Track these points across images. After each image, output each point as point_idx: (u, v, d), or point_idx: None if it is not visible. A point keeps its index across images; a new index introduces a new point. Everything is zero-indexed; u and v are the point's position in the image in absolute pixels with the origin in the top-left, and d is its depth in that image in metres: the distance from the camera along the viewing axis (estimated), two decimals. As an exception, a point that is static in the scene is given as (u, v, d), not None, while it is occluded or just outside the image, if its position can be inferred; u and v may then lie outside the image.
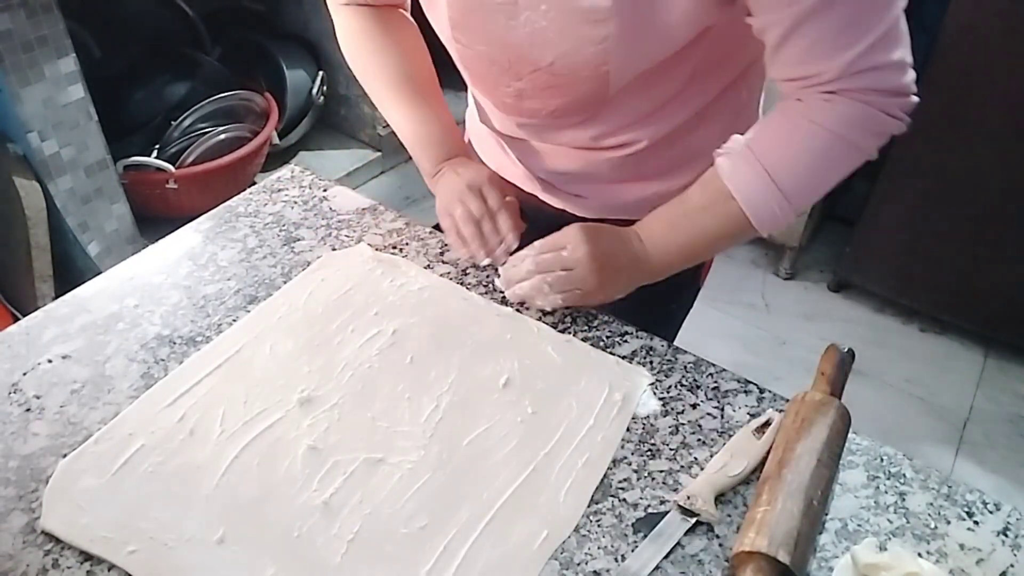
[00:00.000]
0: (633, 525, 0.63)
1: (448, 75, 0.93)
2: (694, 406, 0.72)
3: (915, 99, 0.70)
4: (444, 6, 0.75)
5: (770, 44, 0.68)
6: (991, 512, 0.64)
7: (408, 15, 0.94)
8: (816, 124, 0.70)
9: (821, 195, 0.75)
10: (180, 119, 2.01)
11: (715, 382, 0.75)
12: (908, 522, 0.63)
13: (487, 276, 0.86)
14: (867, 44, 0.64)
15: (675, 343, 0.80)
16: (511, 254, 0.83)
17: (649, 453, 0.68)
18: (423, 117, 0.91)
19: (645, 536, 0.62)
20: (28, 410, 0.70)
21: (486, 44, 0.77)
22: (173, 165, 1.97)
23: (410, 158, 0.96)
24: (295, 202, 0.96)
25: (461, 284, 0.85)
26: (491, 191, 0.85)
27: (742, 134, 0.90)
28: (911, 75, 0.68)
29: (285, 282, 0.84)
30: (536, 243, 0.80)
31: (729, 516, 0.63)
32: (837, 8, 0.63)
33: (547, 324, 0.80)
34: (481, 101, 0.93)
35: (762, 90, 0.90)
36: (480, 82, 0.86)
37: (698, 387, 0.74)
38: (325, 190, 0.98)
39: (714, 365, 0.76)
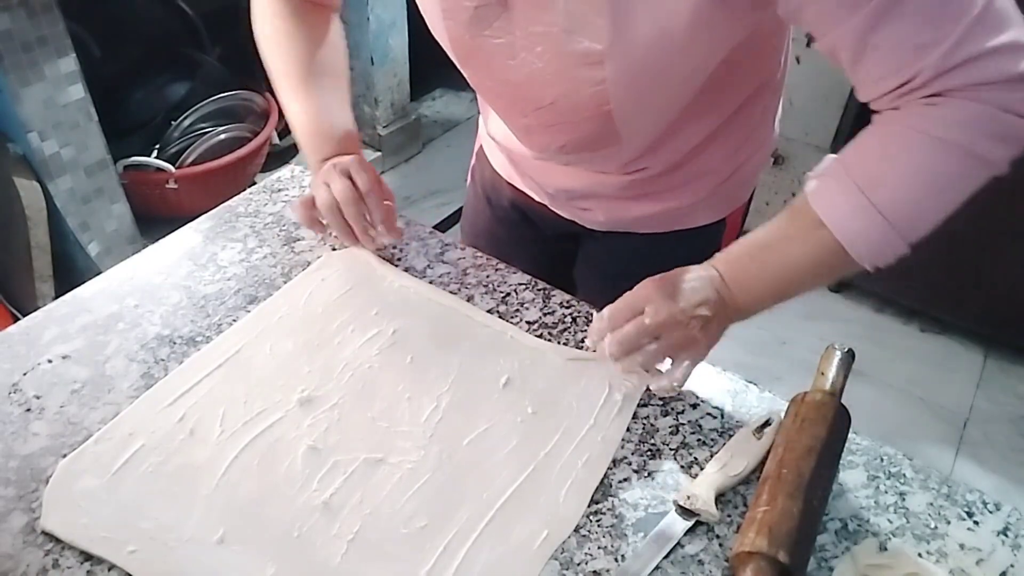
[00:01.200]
0: (633, 525, 0.63)
1: (449, 75, 0.93)
2: (694, 406, 0.72)
3: None
4: (448, 42, 0.75)
5: (848, 63, 0.60)
6: (991, 512, 0.64)
7: (331, 14, 0.92)
8: (918, 131, 0.58)
9: (936, 220, 0.63)
10: (180, 119, 2.01)
11: (715, 382, 0.75)
12: (908, 522, 0.63)
13: (487, 276, 0.86)
14: (958, 34, 0.53)
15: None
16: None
17: (649, 453, 0.68)
18: (317, 109, 0.87)
19: (645, 536, 0.62)
20: (28, 410, 0.70)
21: (490, 80, 0.77)
22: (173, 165, 1.98)
23: (410, 158, 0.96)
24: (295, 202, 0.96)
25: (461, 284, 0.85)
26: (361, 172, 0.82)
27: (756, 151, 0.88)
28: None
29: (285, 282, 0.84)
30: (606, 312, 0.69)
31: (729, 516, 0.63)
32: (905, 6, 0.53)
33: (548, 323, 0.80)
34: (490, 128, 0.93)
35: (778, 106, 0.89)
36: (495, 111, 0.87)
37: (698, 387, 0.74)
38: (325, 190, 0.98)
39: (714, 365, 0.76)
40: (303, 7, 0.89)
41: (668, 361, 0.69)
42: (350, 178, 0.82)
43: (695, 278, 0.68)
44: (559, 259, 1.03)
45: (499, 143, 0.95)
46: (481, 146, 1.05)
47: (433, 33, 0.78)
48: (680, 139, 0.80)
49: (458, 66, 0.79)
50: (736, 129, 0.83)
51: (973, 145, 0.58)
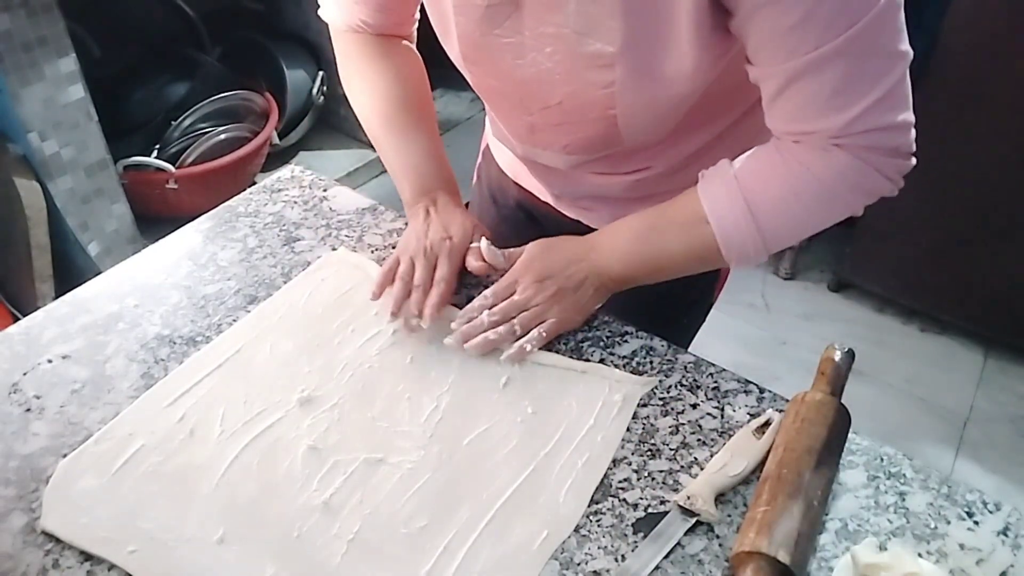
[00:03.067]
0: (633, 525, 0.63)
1: (449, 75, 0.93)
2: (694, 406, 0.72)
3: (913, 162, 0.67)
4: (455, 40, 0.75)
5: (766, 96, 0.67)
6: (991, 512, 0.64)
7: (411, 45, 0.92)
8: (809, 171, 0.67)
9: (795, 242, 0.74)
10: (180, 119, 2.01)
11: (715, 382, 0.75)
12: (908, 522, 0.63)
13: (487, 276, 0.86)
14: (866, 105, 0.62)
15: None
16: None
17: (649, 453, 0.68)
18: (409, 146, 0.86)
19: (645, 536, 0.62)
20: (28, 410, 0.70)
21: (496, 79, 0.78)
22: (173, 165, 1.98)
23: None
24: (295, 202, 0.96)
25: (461, 284, 0.85)
26: (445, 261, 0.79)
27: None
28: (912, 136, 0.66)
29: (285, 282, 0.84)
30: (486, 292, 0.77)
31: (729, 516, 0.63)
32: (833, 67, 0.60)
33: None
34: (496, 128, 0.93)
35: None
36: (495, 110, 0.87)
37: (698, 387, 0.74)
38: (325, 190, 0.98)
39: (714, 365, 0.76)
40: (379, 43, 0.87)
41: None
42: (433, 263, 0.79)
43: (567, 248, 0.77)
44: None
45: (505, 142, 0.95)
46: (487, 146, 1.05)
47: (438, 33, 0.78)
48: (684, 142, 0.80)
49: (462, 66, 0.79)
50: (740, 133, 0.83)
51: (848, 195, 0.69)
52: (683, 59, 0.65)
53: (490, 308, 0.75)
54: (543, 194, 0.96)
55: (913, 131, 0.66)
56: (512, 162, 0.98)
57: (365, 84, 0.87)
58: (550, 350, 0.77)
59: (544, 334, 0.74)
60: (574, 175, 0.88)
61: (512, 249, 0.79)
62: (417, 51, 0.92)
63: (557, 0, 0.65)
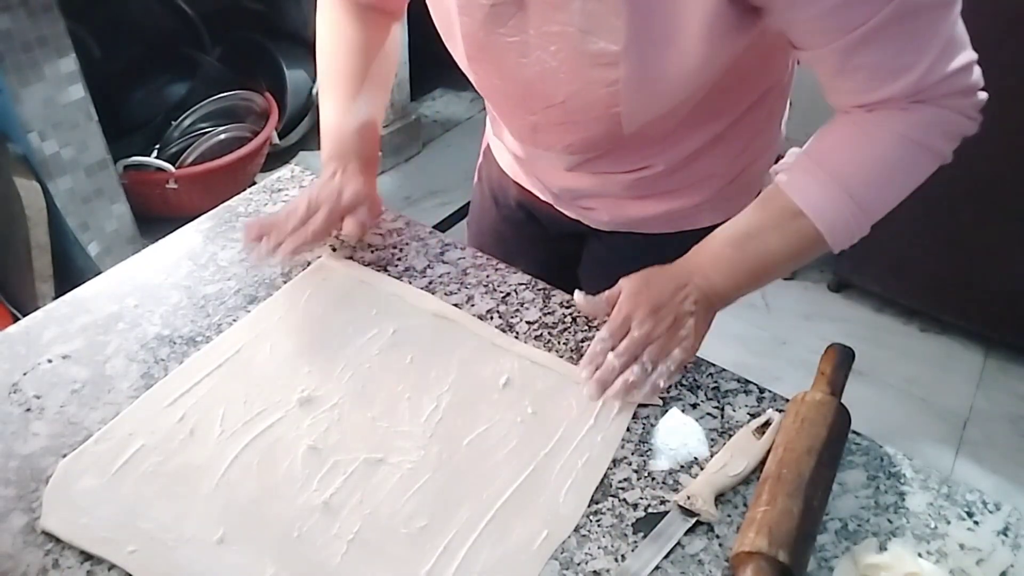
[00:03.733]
0: (633, 525, 0.63)
1: (449, 75, 0.93)
2: (694, 406, 0.72)
3: (984, 95, 0.67)
4: (460, 39, 0.75)
5: (825, 75, 0.66)
6: (991, 512, 0.64)
7: (393, 22, 0.93)
8: (894, 133, 0.67)
9: (894, 204, 0.71)
10: (180, 119, 2.01)
11: (715, 382, 0.75)
12: (908, 522, 0.63)
13: (487, 276, 0.86)
14: (932, 58, 0.62)
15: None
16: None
17: (649, 453, 0.68)
18: (344, 110, 0.88)
19: (645, 536, 0.62)
20: (28, 410, 0.70)
21: (499, 79, 0.77)
22: (173, 165, 1.98)
23: (410, 158, 0.96)
24: (295, 202, 0.96)
25: (461, 284, 0.85)
26: (323, 214, 0.81)
27: (762, 153, 0.89)
28: (977, 72, 0.66)
29: (285, 282, 0.84)
30: (601, 334, 0.73)
31: (729, 516, 0.63)
32: (890, 31, 0.60)
33: (548, 323, 0.80)
34: (497, 127, 0.93)
35: (785, 108, 0.89)
36: (497, 110, 0.87)
37: (698, 387, 0.74)
38: (325, 190, 0.98)
39: (714, 365, 0.76)
40: (366, 12, 0.90)
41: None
42: (311, 212, 0.81)
43: (669, 277, 0.74)
44: (564, 258, 1.03)
45: (505, 142, 0.95)
46: (488, 145, 1.05)
47: (442, 33, 0.78)
48: (685, 141, 0.80)
49: (466, 66, 0.79)
50: (742, 132, 0.83)
51: (933, 143, 0.68)
52: (687, 58, 0.65)
53: (611, 349, 0.72)
54: (543, 193, 0.96)
55: (977, 68, 0.66)
56: (512, 162, 0.98)
57: (330, 47, 0.90)
58: (550, 351, 0.77)
59: (673, 368, 0.71)
60: (575, 174, 0.88)
61: (606, 293, 0.76)
62: (404, 30, 0.94)
63: None
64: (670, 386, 0.74)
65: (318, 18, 0.92)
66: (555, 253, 1.03)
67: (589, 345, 0.78)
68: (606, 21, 0.65)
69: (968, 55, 0.65)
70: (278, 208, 0.95)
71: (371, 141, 0.89)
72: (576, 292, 0.77)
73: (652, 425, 0.70)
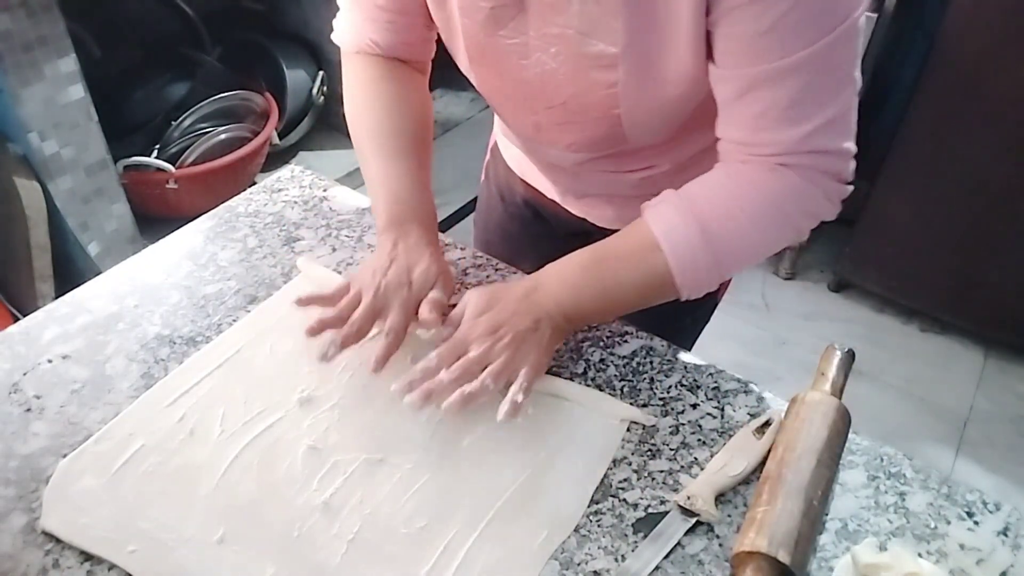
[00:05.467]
0: (633, 525, 0.63)
1: (449, 75, 0.93)
2: (694, 406, 0.72)
3: (850, 189, 0.69)
4: (461, 41, 0.75)
5: (721, 100, 0.67)
6: (991, 512, 0.64)
7: (422, 74, 0.88)
8: (759, 191, 0.67)
9: (744, 267, 0.71)
10: (180, 119, 2.01)
11: (715, 382, 0.75)
12: (908, 522, 0.63)
13: (487, 276, 0.86)
14: (818, 123, 0.63)
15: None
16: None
17: (649, 453, 0.68)
18: (394, 171, 0.80)
19: (645, 536, 0.62)
20: (28, 410, 0.70)
21: (500, 80, 0.77)
22: (173, 165, 1.97)
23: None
24: (295, 202, 0.96)
25: (461, 284, 0.85)
26: (398, 310, 0.72)
27: None
28: (852, 166, 0.68)
29: (285, 282, 0.84)
30: (431, 355, 0.68)
31: (729, 516, 0.63)
32: (794, 80, 0.61)
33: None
34: (503, 127, 0.93)
35: None
36: (500, 111, 0.87)
37: (698, 387, 0.74)
38: (325, 190, 0.98)
39: (714, 365, 0.76)
40: (387, 68, 0.84)
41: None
42: (384, 312, 0.72)
43: (520, 293, 0.71)
44: None
45: (512, 141, 0.95)
46: (495, 143, 1.05)
47: (443, 36, 0.78)
48: (690, 141, 0.81)
49: (467, 67, 0.79)
50: None
51: (796, 216, 0.69)
52: (685, 60, 0.66)
53: (435, 368, 0.67)
54: (550, 191, 0.97)
55: (853, 162, 0.68)
56: (519, 160, 0.98)
57: (363, 104, 0.84)
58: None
59: (526, 384, 0.67)
60: (580, 173, 0.88)
61: (453, 312, 0.72)
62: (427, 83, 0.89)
63: (561, 1, 0.66)
64: (670, 386, 0.74)
65: (345, 78, 0.86)
66: (562, 251, 1.03)
67: (588, 345, 0.78)
68: (605, 23, 0.65)
69: (851, 144, 0.66)
70: (279, 208, 0.95)
71: (429, 203, 0.81)
72: (422, 311, 0.72)
73: (652, 425, 0.70)
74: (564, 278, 0.72)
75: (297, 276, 0.84)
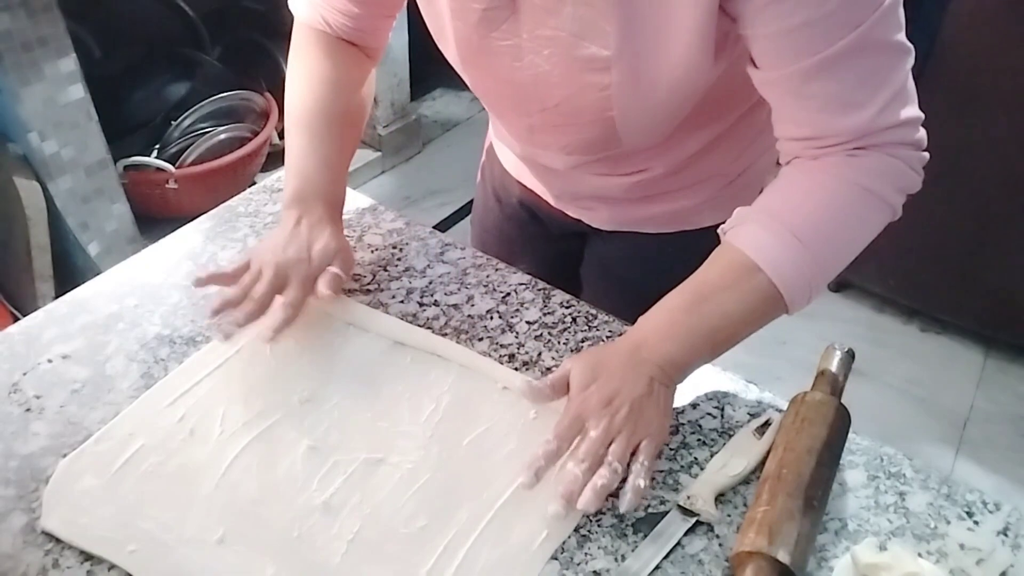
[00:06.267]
0: (633, 525, 0.63)
1: (449, 75, 0.93)
2: (694, 406, 0.72)
3: (927, 155, 0.66)
4: (453, 42, 0.75)
5: (776, 101, 0.65)
6: (991, 512, 0.64)
7: (369, 57, 0.88)
8: (843, 179, 0.64)
9: (848, 258, 0.68)
10: (180, 119, 2.01)
11: (715, 382, 0.75)
12: (908, 522, 0.63)
13: (487, 276, 0.86)
14: (882, 102, 0.61)
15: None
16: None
17: (649, 453, 0.68)
18: (311, 149, 0.80)
19: (645, 536, 0.62)
20: (28, 410, 0.70)
21: (494, 82, 0.77)
22: (173, 165, 1.98)
23: (410, 158, 0.95)
24: (295, 202, 0.96)
25: (461, 284, 0.85)
26: (297, 284, 0.72)
27: (764, 153, 0.87)
28: (923, 131, 0.65)
29: (285, 282, 0.84)
30: (549, 438, 0.63)
31: (729, 516, 0.63)
32: (847, 65, 0.59)
33: (548, 323, 0.80)
34: (498, 128, 0.93)
35: None
36: (494, 112, 0.87)
37: (698, 387, 0.74)
38: (325, 190, 0.98)
39: (714, 365, 0.76)
40: (344, 50, 0.84)
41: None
42: (281, 281, 0.73)
43: (626, 354, 0.66)
44: (567, 257, 1.03)
45: (505, 142, 0.95)
46: (491, 144, 1.05)
47: (434, 36, 0.78)
48: (684, 144, 0.80)
49: (459, 68, 0.79)
50: (741, 134, 0.83)
51: (887, 194, 0.65)
52: (679, 64, 0.65)
53: (557, 450, 0.63)
54: (545, 193, 0.97)
55: (923, 128, 0.65)
56: (514, 161, 0.98)
57: (299, 81, 0.84)
58: (550, 351, 0.77)
59: (647, 463, 0.62)
60: (575, 175, 0.88)
61: (552, 377, 0.67)
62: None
63: (554, 3, 0.65)
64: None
65: (290, 53, 0.86)
66: (558, 252, 1.03)
67: (589, 345, 0.78)
68: (597, 26, 0.64)
69: (917, 111, 0.64)
70: (278, 208, 0.95)
71: (338, 183, 0.82)
72: (519, 379, 0.70)
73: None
74: (668, 327, 0.67)
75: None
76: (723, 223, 0.75)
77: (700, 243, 0.87)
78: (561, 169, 0.87)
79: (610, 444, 0.63)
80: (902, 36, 0.61)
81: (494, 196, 1.07)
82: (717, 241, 0.70)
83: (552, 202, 0.96)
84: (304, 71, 0.84)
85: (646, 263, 0.94)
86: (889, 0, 0.58)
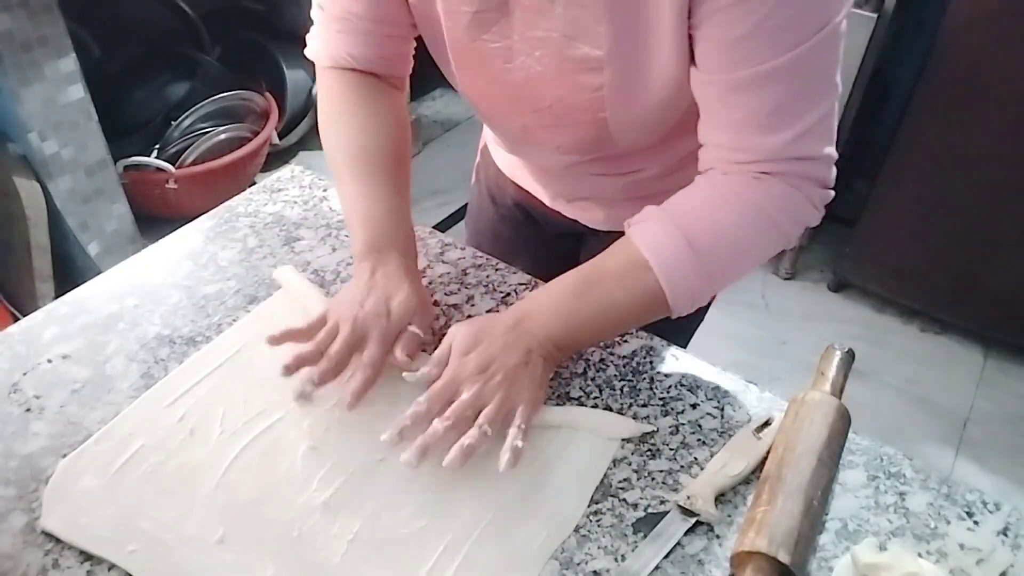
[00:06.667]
0: (633, 525, 0.63)
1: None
2: (694, 406, 0.72)
3: (831, 194, 0.68)
4: (445, 46, 0.74)
5: (703, 104, 0.66)
6: (991, 512, 0.64)
7: (398, 89, 0.87)
8: (745, 199, 0.66)
9: (735, 276, 0.70)
10: (180, 119, 2.01)
11: (715, 382, 0.75)
12: (908, 522, 0.63)
13: (487, 276, 0.86)
14: (799, 130, 0.63)
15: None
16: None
17: (649, 453, 0.68)
18: (372, 195, 0.77)
19: (645, 536, 0.62)
20: (28, 410, 0.70)
21: (486, 84, 0.77)
22: (173, 165, 1.97)
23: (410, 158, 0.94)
24: (295, 202, 0.96)
25: (461, 284, 0.85)
26: (377, 342, 0.69)
27: None
28: (834, 172, 0.68)
29: (285, 282, 0.84)
30: (419, 399, 0.64)
31: (729, 516, 0.63)
32: (776, 84, 0.61)
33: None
34: (491, 132, 0.93)
35: None
36: (486, 114, 0.86)
37: (698, 387, 0.74)
38: (325, 190, 0.98)
39: (714, 365, 0.76)
40: (363, 84, 0.83)
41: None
42: (362, 343, 0.69)
43: (508, 326, 0.68)
44: (562, 258, 1.03)
45: (500, 143, 0.95)
46: (485, 144, 1.05)
47: (426, 40, 0.78)
48: (678, 144, 0.80)
49: (450, 71, 0.78)
50: None
51: (784, 224, 0.67)
52: (669, 64, 0.65)
53: (426, 412, 0.64)
54: (540, 194, 0.97)
55: (834, 168, 0.67)
56: (509, 162, 0.98)
57: (338, 125, 0.81)
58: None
59: (523, 425, 0.64)
60: (569, 175, 0.88)
61: (435, 353, 0.69)
62: (409, 79, 0.87)
63: (545, 5, 0.65)
64: (669, 386, 0.74)
65: (320, 94, 0.84)
66: (553, 252, 1.03)
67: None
68: (589, 27, 0.64)
69: (832, 150, 0.66)
70: (278, 208, 0.95)
71: (407, 228, 0.79)
72: (396, 351, 0.69)
73: (652, 425, 0.70)
74: (553, 305, 0.69)
75: (277, 292, 0.83)
76: None
77: None
78: (555, 169, 0.87)
79: (480, 409, 0.64)
80: (836, 73, 0.63)
81: (489, 197, 1.07)
82: None
83: (547, 202, 0.96)
84: (343, 113, 0.81)
85: None
86: (830, 29, 0.59)
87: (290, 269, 0.84)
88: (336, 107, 0.82)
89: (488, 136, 1.03)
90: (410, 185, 0.84)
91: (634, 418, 0.71)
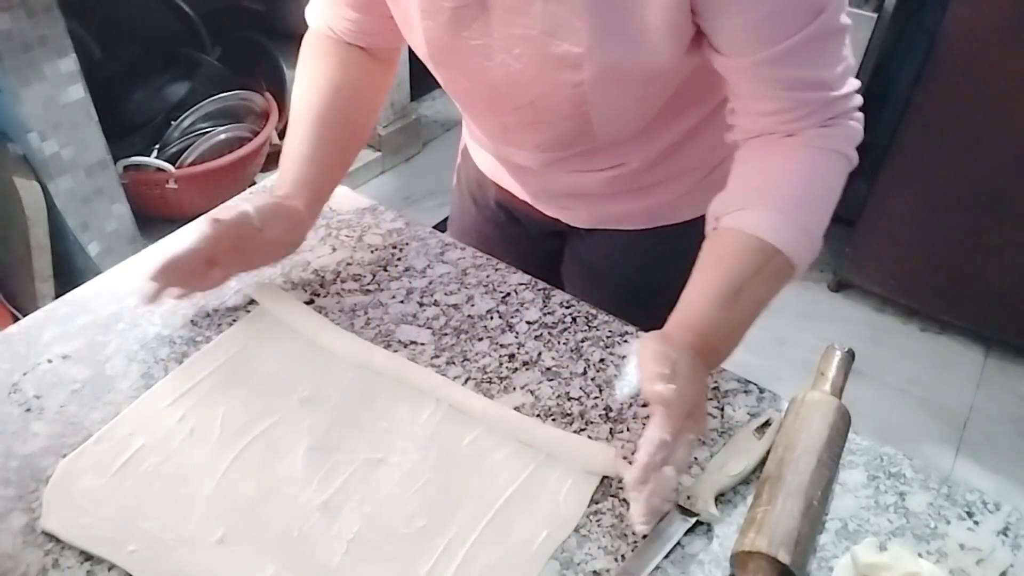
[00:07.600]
0: (633, 525, 0.63)
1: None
2: (694, 406, 0.72)
3: (862, 115, 0.71)
4: (423, 43, 0.74)
5: (743, 83, 0.67)
6: (991, 512, 0.64)
7: (382, 59, 0.88)
8: (822, 150, 0.68)
9: (828, 221, 0.70)
10: (180, 119, 2.01)
11: (715, 382, 0.75)
12: (908, 522, 0.63)
13: (487, 276, 0.86)
14: (840, 77, 0.66)
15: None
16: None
17: (649, 453, 0.68)
18: (311, 156, 0.80)
19: (645, 536, 0.62)
20: (28, 410, 0.70)
21: (467, 81, 0.77)
22: (173, 165, 1.97)
23: (410, 158, 0.95)
24: (295, 202, 0.96)
25: (461, 284, 0.85)
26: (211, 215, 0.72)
27: (735, 147, 0.90)
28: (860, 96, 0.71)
29: (285, 282, 0.84)
30: (656, 437, 0.57)
31: (729, 516, 0.63)
32: (812, 49, 0.63)
33: (548, 323, 0.80)
34: (471, 129, 0.93)
35: None
36: (467, 111, 0.86)
37: (698, 387, 0.74)
38: (325, 190, 0.98)
39: (714, 365, 0.76)
40: (348, 52, 0.85)
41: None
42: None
43: (696, 363, 0.62)
44: (546, 257, 1.03)
45: (480, 143, 0.95)
46: (465, 146, 1.05)
47: (405, 35, 0.78)
48: (659, 137, 0.81)
49: (431, 68, 0.78)
50: (715, 127, 0.83)
51: (852, 155, 0.71)
52: (650, 59, 0.66)
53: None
54: (521, 193, 0.96)
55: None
56: (490, 162, 0.98)
57: (300, 79, 0.84)
58: (550, 351, 0.77)
59: (689, 457, 0.64)
60: (550, 173, 0.87)
61: (653, 369, 0.60)
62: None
63: (524, 2, 0.65)
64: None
65: (300, 54, 0.86)
66: (537, 252, 1.03)
67: (588, 344, 0.78)
68: (567, 23, 0.64)
69: (856, 81, 0.70)
70: (278, 208, 0.94)
71: (325, 191, 0.83)
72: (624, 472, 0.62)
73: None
74: (721, 325, 0.66)
75: (299, 275, 0.84)
76: (700, 217, 0.76)
77: (678, 239, 0.87)
78: (536, 167, 0.87)
79: None
80: (847, 16, 0.65)
81: (470, 198, 1.07)
82: (695, 236, 0.71)
83: (529, 201, 0.96)
84: (306, 73, 0.85)
85: (626, 260, 0.94)
86: None
87: (266, 285, 0.82)
88: (304, 66, 0.86)
89: (468, 136, 1.03)
90: (355, 144, 0.87)
91: (634, 418, 0.71)
